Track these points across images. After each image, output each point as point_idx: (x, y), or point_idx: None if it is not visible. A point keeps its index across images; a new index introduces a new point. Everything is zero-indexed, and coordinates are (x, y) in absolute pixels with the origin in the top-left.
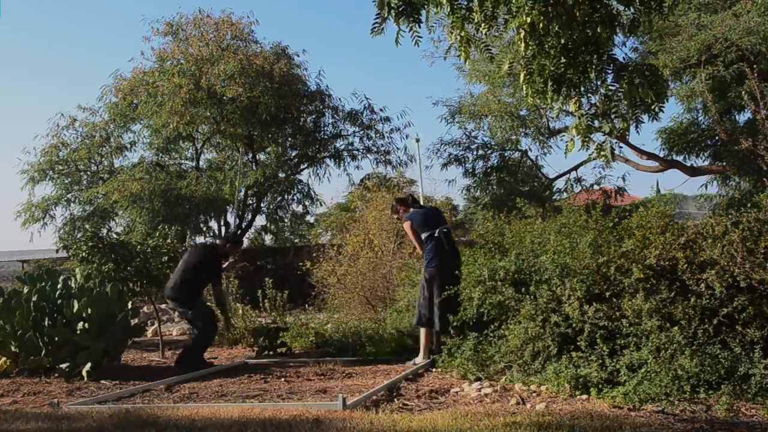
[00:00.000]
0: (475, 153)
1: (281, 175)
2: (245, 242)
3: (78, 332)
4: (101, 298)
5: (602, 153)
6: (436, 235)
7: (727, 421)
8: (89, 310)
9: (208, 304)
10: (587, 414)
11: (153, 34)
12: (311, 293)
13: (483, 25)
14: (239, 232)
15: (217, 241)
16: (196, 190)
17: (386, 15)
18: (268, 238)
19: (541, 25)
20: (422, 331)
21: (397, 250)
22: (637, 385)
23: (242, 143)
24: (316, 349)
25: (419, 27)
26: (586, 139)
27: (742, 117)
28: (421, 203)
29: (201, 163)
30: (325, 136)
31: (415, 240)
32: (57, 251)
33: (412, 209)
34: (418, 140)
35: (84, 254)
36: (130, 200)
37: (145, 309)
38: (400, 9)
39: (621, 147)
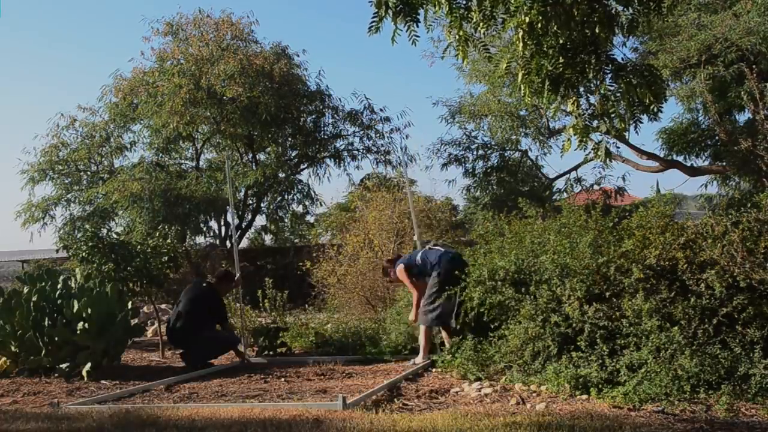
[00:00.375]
0: (475, 153)
1: (281, 175)
2: (245, 242)
3: (78, 332)
4: (101, 298)
5: (598, 153)
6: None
7: (727, 421)
8: (89, 310)
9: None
10: (587, 414)
11: (153, 34)
12: (311, 293)
13: (481, 24)
14: (239, 232)
15: (212, 280)
16: (196, 190)
17: (383, 14)
18: (268, 238)
19: (539, 24)
20: (421, 331)
21: (397, 250)
22: (637, 385)
23: (242, 143)
24: (316, 349)
25: (417, 26)
26: (584, 139)
27: (742, 117)
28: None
29: (201, 163)
30: (325, 136)
31: (406, 280)
32: (57, 251)
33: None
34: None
35: (84, 254)
36: (130, 200)
37: (145, 309)
38: (397, 8)
39: (619, 147)
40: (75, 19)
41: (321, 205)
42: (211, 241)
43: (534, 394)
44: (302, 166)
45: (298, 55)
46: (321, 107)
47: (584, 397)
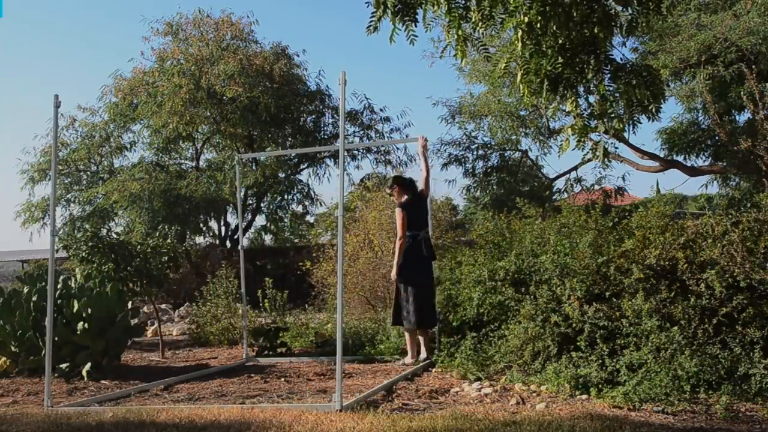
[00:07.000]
0: (475, 153)
1: (281, 175)
2: (245, 242)
3: (78, 332)
4: (101, 298)
5: (596, 153)
6: (419, 238)
7: (726, 421)
8: (89, 310)
9: None
10: (587, 414)
11: (153, 34)
12: (311, 293)
13: (480, 24)
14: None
15: None
16: (196, 190)
17: (382, 14)
18: (268, 238)
19: (538, 24)
20: (406, 333)
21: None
22: (637, 385)
23: (242, 143)
24: (316, 349)
25: (415, 26)
26: (582, 138)
27: (742, 117)
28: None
29: (201, 163)
30: (325, 136)
31: (400, 229)
32: (57, 251)
33: (408, 197)
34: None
35: (84, 254)
36: (130, 200)
37: (145, 309)
38: (396, 8)
39: (617, 147)
40: (74, 18)
41: (321, 205)
42: (211, 241)
43: (534, 394)
44: (302, 166)
45: (298, 55)
46: (321, 107)
47: (584, 397)
